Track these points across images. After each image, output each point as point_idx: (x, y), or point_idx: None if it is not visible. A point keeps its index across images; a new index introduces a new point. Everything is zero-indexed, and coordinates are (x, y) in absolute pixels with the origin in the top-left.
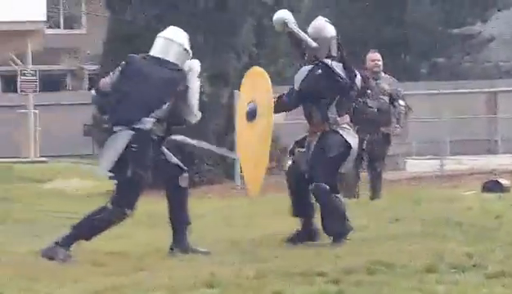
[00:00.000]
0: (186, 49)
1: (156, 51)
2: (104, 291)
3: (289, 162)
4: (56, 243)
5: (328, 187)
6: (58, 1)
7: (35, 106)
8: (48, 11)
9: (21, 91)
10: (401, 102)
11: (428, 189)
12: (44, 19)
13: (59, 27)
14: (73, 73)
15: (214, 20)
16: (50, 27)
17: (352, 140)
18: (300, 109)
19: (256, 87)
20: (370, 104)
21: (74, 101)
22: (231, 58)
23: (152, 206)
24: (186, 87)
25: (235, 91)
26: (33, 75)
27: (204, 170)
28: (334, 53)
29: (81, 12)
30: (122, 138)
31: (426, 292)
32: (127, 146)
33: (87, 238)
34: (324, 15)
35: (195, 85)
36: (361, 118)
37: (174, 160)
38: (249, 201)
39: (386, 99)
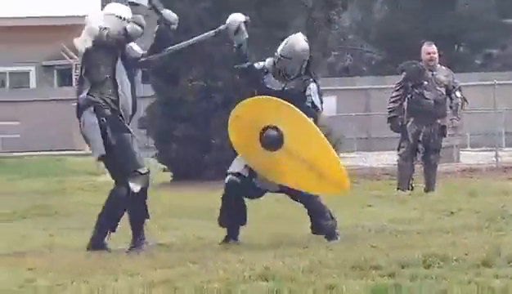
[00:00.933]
0: (118, 16)
1: None
2: (158, 283)
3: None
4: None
5: None
6: None
7: None
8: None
9: (76, 84)
10: (458, 94)
11: (483, 181)
12: None
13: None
14: None
15: (265, 12)
16: None
17: None
18: (354, 102)
19: (283, 116)
20: (426, 96)
21: None
22: None
23: (197, 198)
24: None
25: None
26: None
27: None
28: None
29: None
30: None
31: (483, 286)
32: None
33: (113, 228)
34: (377, 9)
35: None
36: (418, 109)
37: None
38: None
39: (443, 90)
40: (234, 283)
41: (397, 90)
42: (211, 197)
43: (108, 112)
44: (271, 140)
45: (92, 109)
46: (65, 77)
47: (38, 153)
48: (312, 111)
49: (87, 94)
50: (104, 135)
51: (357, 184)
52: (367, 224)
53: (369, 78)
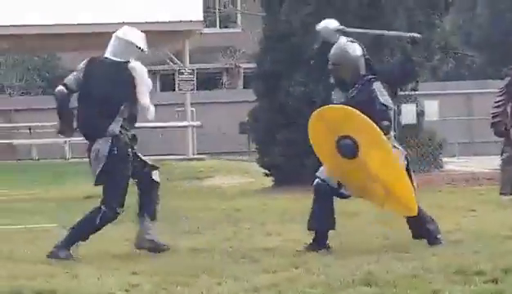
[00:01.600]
0: (138, 47)
1: (108, 51)
2: (262, 288)
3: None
4: (56, 247)
5: None
6: (214, 1)
7: (192, 104)
8: (205, 11)
9: (179, 89)
10: None
11: None
12: (201, 18)
13: (215, 26)
14: (229, 72)
15: (367, 16)
16: (206, 26)
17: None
18: (456, 106)
19: (353, 124)
20: None
21: (229, 99)
22: (385, 54)
23: (299, 203)
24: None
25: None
26: (190, 74)
27: None
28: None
29: (236, 11)
30: (102, 147)
31: None
32: (108, 152)
33: (84, 239)
34: (478, 12)
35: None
36: None
37: (144, 158)
38: None
39: None
40: (336, 288)
41: (501, 95)
42: (304, 202)
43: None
44: (347, 150)
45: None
46: (167, 82)
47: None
48: (385, 112)
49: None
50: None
51: (460, 188)
52: (470, 229)
53: (471, 83)
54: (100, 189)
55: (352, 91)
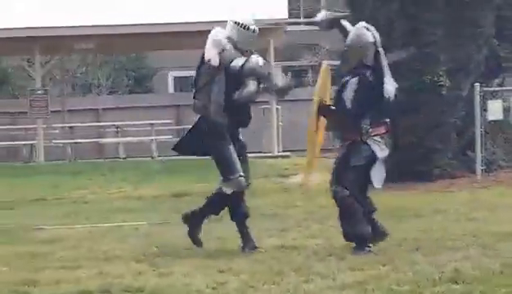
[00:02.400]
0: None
1: None
2: (349, 286)
3: None
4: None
5: (347, 191)
6: None
7: (278, 102)
8: (289, 8)
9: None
10: None
11: None
12: (286, 16)
13: (299, 24)
14: (313, 69)
15: (455, 12)
16: (291, 24)
17: (381, 153)
18: None
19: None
20: None
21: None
22: (472, 50)
23: (383, 200)
24: None
25: (476, 84)
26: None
27: (445, 163)
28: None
29: (320, 8)
30: None
31: None
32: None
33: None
34: None
35: None
36: None
37: None
38: (491, 194)
39: None
40: (424, 286)
41: None
42: (399, 198)
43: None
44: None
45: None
46: None
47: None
48: (341, 108)
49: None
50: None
51: None
52: None
53: None
54: (187, 186)
55: (345, 78)
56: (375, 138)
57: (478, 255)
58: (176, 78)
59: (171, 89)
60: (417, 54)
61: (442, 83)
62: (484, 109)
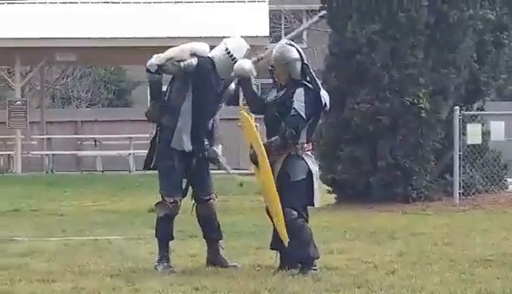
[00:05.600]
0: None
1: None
2: None
3: None
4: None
5: (295, 212)
6: (280, 16)
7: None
8: (271, 27)
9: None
10: None
11: None
12: (267, 34)
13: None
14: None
15: (435, 35)
16: (272, 42)
17: (314, 167)
18: None
19: (249, 133)
20: None
21: None
22: (452, 73)
23: (362, 221)
24: None
25: (456, 107)
26: None
27: (423, 186)
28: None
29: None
30: None
31: None
32: None
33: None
34: None
35: None
36: None
37: None
38: (468, 219)
39: None
40: None
41: None
42: (376, 220)
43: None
44: (251, 157)
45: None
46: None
47: None
48: (295, 118)
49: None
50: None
51: None
52: None
53: None
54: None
55: (278, 94)
56: (308, 153)
57: (454, 280)
58: None
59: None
60: (399, 77)
61: (421, 106)
62: (463, 133)
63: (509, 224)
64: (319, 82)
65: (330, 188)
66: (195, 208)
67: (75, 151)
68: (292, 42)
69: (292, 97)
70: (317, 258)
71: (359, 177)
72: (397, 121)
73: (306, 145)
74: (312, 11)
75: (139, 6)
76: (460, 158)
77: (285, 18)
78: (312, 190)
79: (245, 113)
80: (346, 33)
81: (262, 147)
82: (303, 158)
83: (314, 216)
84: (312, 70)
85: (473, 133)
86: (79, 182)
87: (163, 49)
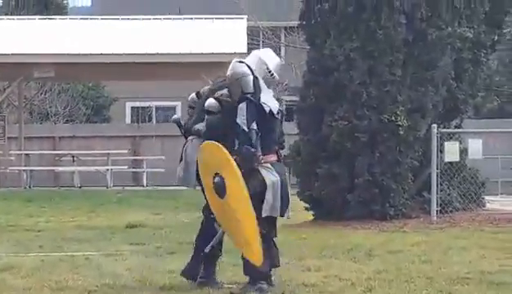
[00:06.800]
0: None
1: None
2: None
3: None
4: None
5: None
6: (258, 32)
7: None
8: (248, 43)
9: None
10: None
11: None
12: (245, 50)
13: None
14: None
15: (413, 53)
16: None
17: (271, 178)
18: (501, 144)
19: (217, 161)
20: None
21: None
22: (429, 91)
23: (339, 238)
24: None
25: (433, 125)
26: None
27: (400, 203)
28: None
29: (280, 44)
30: None
31: None
32: None
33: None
34: None
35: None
36: None
37: None
38: (446, 236)
39: None
40: None
41: None
42: (353, 237)
43: None
44: (218, 188)
45: None
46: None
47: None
48: (242, 136)
49: None
50: None
51: (502, 228)
52: None
53: None
54: (140, 218)
55: (235, 109)
56: (267, 164)
57: None
58: (133, 109)
59: (128, 119)
60: (376, 94)
61: (399, 123)
62: (441, 151)
63: (486, 242)
64: (269, 94)
65: (307, 205)
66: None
67: (53, 167)
68: (242, 60)
69: (236, 113)
70: (274, 267)
71: (337, 194)
72: (375, 138)
73: (262, 157)
74: (290, 27)
75: (117, 22)
76: (437, 175)
77: (263, 34)
78: (275, 202)
79: (210, 142)
80: (324, 50)
81: (239, 172)
82: (258, 171)
83: (292, 232)
84: (260, 83)
85: (451, 151)
86: (57, 198)
87: (140, 65)
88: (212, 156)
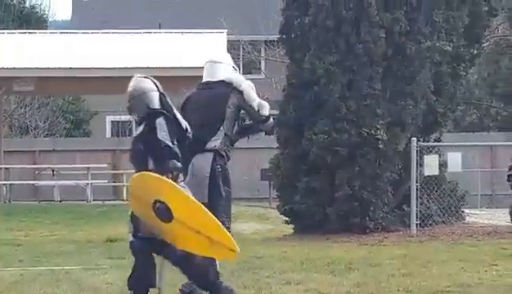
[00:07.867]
0: (233, 67)
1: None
2: None
3: None
4: None
5: None
6: (238, 47)
7: None
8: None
9: None
10: None
11: None
12: None
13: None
14: None
15: (392, 66)
16: None
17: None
18: (480, 158)
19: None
20: None
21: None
22: (409, 105)
23: (319, 252)
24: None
25: (413, 138)
26: None
27: (380, 217)
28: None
29: (260, 58)
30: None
31: None
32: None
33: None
34: (504, 64)
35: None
36: None
37: None
38: (426, 250)
39: None
40: None
41: None
42: (333, 250)
43: None
44: (163, 215)
45: None
46: None
47: None
48: (167, 151)
49: None
50: None
51: (482, 241)
52: (492, 284)
53: (495, 134)
54: (121, 231)
55: (139, 128)
56: (181, 183)
57: None
58: (113, 122)
59: (108, 133)
60: (355, 108)
61: (379, 137)
62: (420, 164)
63: (466, 255)
64: (174, 109)
65: (287, 218)
66: None
67: (33, 181)
68: (146, 75)
69: (155, 129)
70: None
71: (316, 208)
72: (355, 152)
73: (180, 175)
74: (270, 41)
75: (97, 36)
76: (417, 189)
77: (243, 48)
78: None
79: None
80: (304, 64)
81: (177, 186)
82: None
83: (272, 246)
84: (168, 99)
85: (431, 164)
86: (37, 212)
87: (120, 79)
88: (143, 187)
